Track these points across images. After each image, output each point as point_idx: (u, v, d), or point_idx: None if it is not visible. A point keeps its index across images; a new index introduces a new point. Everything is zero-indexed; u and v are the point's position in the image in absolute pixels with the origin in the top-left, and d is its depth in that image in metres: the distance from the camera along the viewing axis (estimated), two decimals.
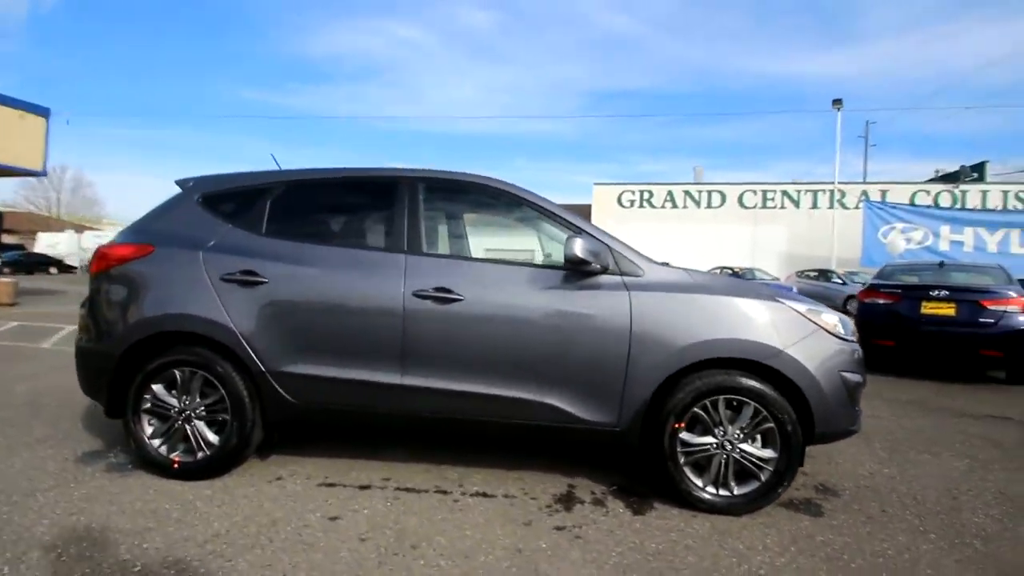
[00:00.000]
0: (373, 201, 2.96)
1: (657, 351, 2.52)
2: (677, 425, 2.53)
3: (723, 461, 2.53)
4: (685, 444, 2.54)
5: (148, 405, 2.74)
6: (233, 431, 2.69)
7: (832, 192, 21.17)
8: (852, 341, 2.68)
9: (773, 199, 24.48)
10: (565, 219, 2.75)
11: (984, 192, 22.15)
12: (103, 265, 2.87)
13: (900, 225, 17.14)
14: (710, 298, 2.58)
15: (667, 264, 2.74)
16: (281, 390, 2.68)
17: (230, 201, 2.95)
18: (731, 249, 23.05)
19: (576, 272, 2.61)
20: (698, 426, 2.55)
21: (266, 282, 2.71)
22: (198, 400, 2.73)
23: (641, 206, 26.01)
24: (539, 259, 2.91)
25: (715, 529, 2.39)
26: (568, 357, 2.58)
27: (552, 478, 2.88)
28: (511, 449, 3.19)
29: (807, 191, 23.99)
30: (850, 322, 2.77)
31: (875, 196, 21.15)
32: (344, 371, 2.66)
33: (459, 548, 2.18)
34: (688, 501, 2.53)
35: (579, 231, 2.66)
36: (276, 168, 3.08)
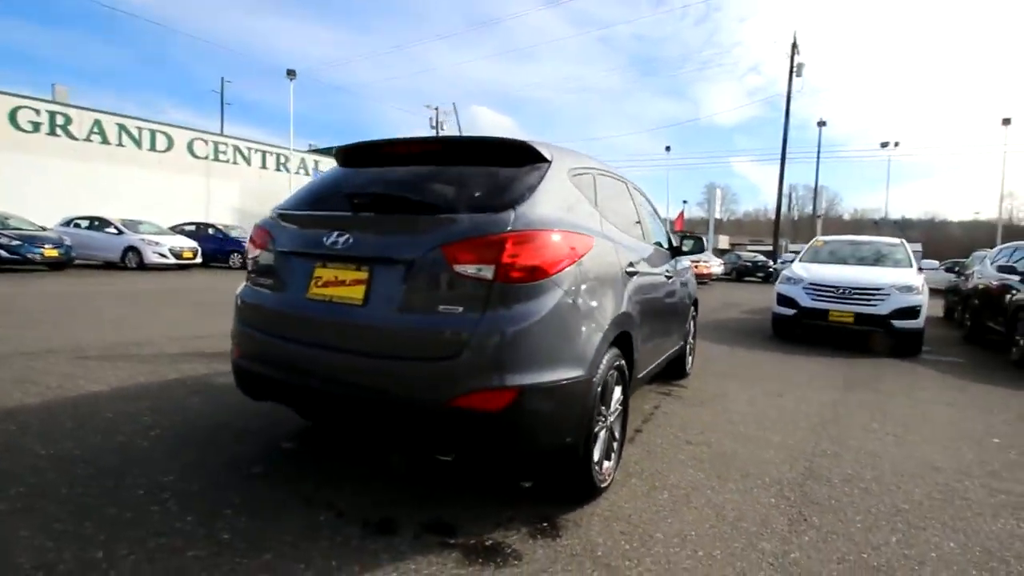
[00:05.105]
0: (625, 195, 3.35)
1: (688, 297, 4.62)
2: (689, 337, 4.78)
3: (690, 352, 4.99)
4: (692, 349, 4.84)
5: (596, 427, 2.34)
6: (626, 419, 2.76)
7: (279, 155, 23.14)
8: None
9: (225, 153, 23.55)
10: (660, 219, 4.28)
11: None
12: (558, 264, 2.05)
13: None
14: (689, 265, 4.88)
15: None
16: (637, 370, 2.96)
17: (587, 183, 2.64)
18: (186, 201, 20.59)
19: (678, 253, 4.27)
20: None
21: (637, 273, 2.85)
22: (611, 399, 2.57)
23: (53, 133, 18.67)
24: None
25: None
26: (682, 304, 4.27)
27: None
28: None
29: (257, 151, 24.23)
30: None
31: (311, 165, 25.12)
32: (647, 339, 3.24)
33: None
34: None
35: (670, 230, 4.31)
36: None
